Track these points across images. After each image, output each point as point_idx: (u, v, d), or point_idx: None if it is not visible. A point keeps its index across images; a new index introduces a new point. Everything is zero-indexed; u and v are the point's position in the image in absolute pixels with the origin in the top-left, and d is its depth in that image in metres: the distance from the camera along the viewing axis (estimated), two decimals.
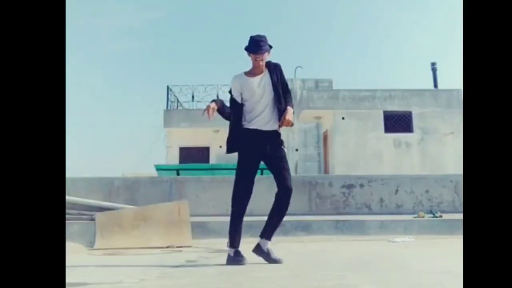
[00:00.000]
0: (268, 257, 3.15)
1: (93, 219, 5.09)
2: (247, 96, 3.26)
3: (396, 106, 14.50)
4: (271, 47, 3.27)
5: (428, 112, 14.50)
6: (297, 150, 17.21)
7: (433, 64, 17.47)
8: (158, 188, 5.90)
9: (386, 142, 14.28)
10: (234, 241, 3.22)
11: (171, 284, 2.39)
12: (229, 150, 3.44)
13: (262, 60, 3.21)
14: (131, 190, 5.86)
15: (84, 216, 5.27)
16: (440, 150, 14.24)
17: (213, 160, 16.53)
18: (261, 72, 3.27)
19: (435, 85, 17.14)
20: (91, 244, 4.77)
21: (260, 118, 3.24)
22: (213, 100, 3.33)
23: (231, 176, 6.33)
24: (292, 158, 17.22)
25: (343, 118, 14.15)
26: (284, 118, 3.19)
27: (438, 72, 17.44)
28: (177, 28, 43.81)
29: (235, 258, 3.14)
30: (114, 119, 37.22)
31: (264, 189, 6.06)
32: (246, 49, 3.23)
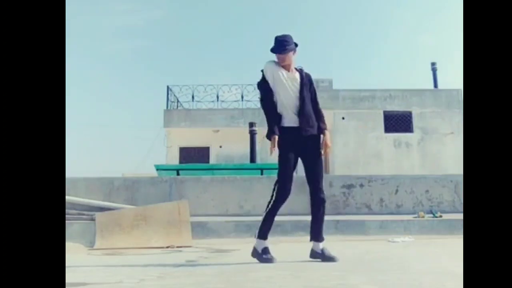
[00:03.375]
0: (323, 257, 3.17)
1: (93, 219, 5.09)
2: (278, 85, 3.22)
3: (396, 106, 14.52)
4: (296, 45, 3.27)
5: (428, 112, 14.51)
6: None
7: (433, 64, 17.48)
8: (158, 188, 5.90)
9: (386, 142, 14.30)
10: (265, 233, 3.27)
11: (171, 284, 2.38)
12: (272, 134, 3.23)
13: (284, 60, 3.22)
14: (131, 190, 5.86)
15: (84, 216, 5.28)
16: (440, 150, 14.26)
17: (213, 160, 16.53)
18: (288, 70, 3.27)
19: (435, 85, 17.15)
20: (91, 244, 4.77)
21: (292, 115, 3.20)
22: (272, 132, 3.18)
23: (231, 176, 6.37)
24: None
25: (343, 118, 14.16)
26: (326, 144, 3.22)
27: (438, 72, 17.46)
28: (177, 28, 43.82)
29: (265, 257, 3.19)
30: (114, 119, 37.22)
31: (264, 189, 6.08)
32: (271, 49, 3.23)
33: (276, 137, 3.14)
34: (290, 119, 3.22)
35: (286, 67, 3.27)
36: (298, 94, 3.22)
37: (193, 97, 16.26)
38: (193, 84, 16.63)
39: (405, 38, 46.72)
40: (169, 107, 16.46)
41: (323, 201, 3.23)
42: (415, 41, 45.24)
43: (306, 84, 3.28)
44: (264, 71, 3.28)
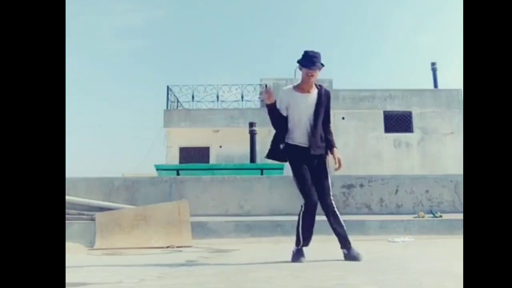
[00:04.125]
0: (349, 256, 3.28)
1: (93, 219, 5.09)
2: (292, 110, 3.31)
3: (396, 106, 14.52)
4: (323, 65, 3.30)
5: (428, 112, 14.51)
6: None
7: (433, 64, 17.48)
8: (158, 188, 5.90)
9: (386, 142, 14.30)
10: (300, 240, 3.36)
11: (171, 284, 2.38)
12: (270, 156, 3.49)
13: (313, 76, 3.25)
14: (131, 190, 5.86)
15: (84, 216, 5.28)
16: (440, 150, 14.26)
17: (213, 160, 16.53)
18: (309, 89, 3.32)
19: (435, 85, 17.15)
20: (91, 244, 4.77)
21: (301, 135, 3.30)
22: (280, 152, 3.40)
23: (231, 176, 6.37)
24: None
25: (343, 118, 14.16)
26: (339, 163, 3.32)
27: (438, 72, 17.46)
28: (177, 28, 43.83)
29: (295, 256, 3.28)
30: (114, 119, 37.22)
31: (264, 189, 6.08)
32: (300, 62, 3.26)
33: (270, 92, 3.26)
34: (300, 138, 3.32)
35: (308, 86, 3.30)
36: (312, 116, 3.29)
37: (193, 97, 16.26)
38: (193, 84, 16.63)
39: (405, 38, 46.75)
40: (169, 107, 16.46)
41: (333, 212, 3.35)
42: (415, 41, 45.28)
43: (323, 103, 3.32)
44: (277, 100, 3.35)
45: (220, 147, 16.38)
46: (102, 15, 42.47)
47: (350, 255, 3.26)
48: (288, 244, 4.50)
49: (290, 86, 3.40)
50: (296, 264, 3.12)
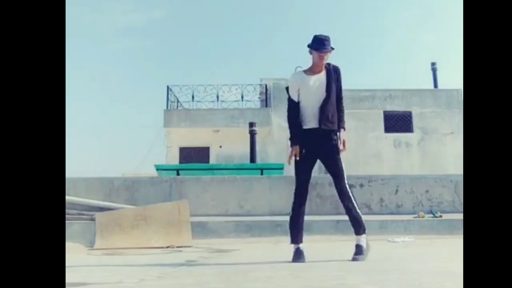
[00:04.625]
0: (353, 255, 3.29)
1: (93, 219, 5.09)
2: (303, 94, 3.33)
3: (396, 106, 14.53)
4: (333, 48, 3.32)
5: (428, 112, 14.51)
6: None
7: (433, 64, 17.48)
8: (158, 188, 5.90)
9: (386, 142, 14.30)
10: (294, 237, 3.33)
11: (171, 284, 2.38)
12: (296, 141, 3.41)
13: (324, 59, 3.28)
14: (131, 190, 5.86)
15: (84, 216, 5.28)
16: (440, 150, 14.26)
17: (213, 160, 16.53)
18: (320, 71, 3.34)
19: (435, 85, 17.15)
20: (91, 244, 4.77)
21: (314, 117, 3.30)
22: (293, 141, 3.36)
23: (231, 176, 6.37)
24: (292, 158, 17.19)
25: None
26: (344, 145, 3.33)
27: (438, 72, 17.45)
28: (177, 27, 43.82)
29: (294, 256, 3.26)
30: (114, 119, 37.21)
31: (264, 189, 6.08)
32: (311, 46, 3.28)
33: (297, 147, 3.29)
34: (310, 121, 3.32)
35: (318, 67, 3.32)
36: (323, 95, 3.29)
37: (193, 97, 16.26)
38: (193, 84, 16.61)
39: (405, 38, 46.74)
40: (169, 107, 16.46)
41: (348, 197, 3.31)
42: (415, 41, 45.27)
43: (333, 79, 3.33)
44: (289, 85, 3.38)
45: (220, 147, 16.38)
46: (102, 14, 42.47)
47: (353, 256, 3.26)
48: (288, 244, 4.50)
49: (300, 70, 3.41)
50: (296, 264, 3.12)
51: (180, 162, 16.14)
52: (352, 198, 3.33)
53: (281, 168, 8.70)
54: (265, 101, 16.12)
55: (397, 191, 6.01)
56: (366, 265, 3.06)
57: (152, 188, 5.91)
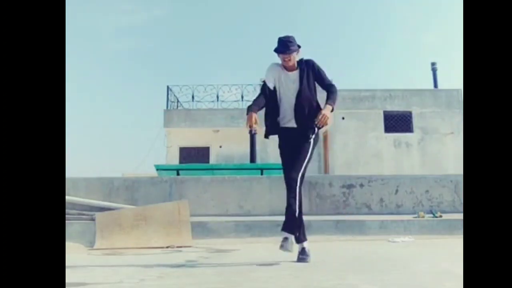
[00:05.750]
0: (298, 256, 3.26)
1: (93, 219, 5.09)
2: (279, 88, 3.33)
3: (396, 106, 14.52)
4: (299, 46, 3.31)
5: (428, 112, 14.51)
6: None
7: (433, 64, 17.50)
8: (158, 188, 5.90)
9: (386, 142, 14.30)
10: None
11: (171, 284, 2.38)
12: (268, 134, 3.44)
13: (290, 60, 3.26)
14: (131, 190, 5.86)
15: (84, 216, 5.28)
16: (440, 150, 14.26)
17: (213, 160, 16.53)
18: (293, 70, 3.33)
19: (435, 85, 17.16)
20: (91, 244, 4.77)
21: (290, 115, 3.30)
22: (249, 109, 3.26)
23: (231, 176, 6.36)
24: None
25: (343, 118, 14.16)
26: (321, 116, 3.15)
27: (438, 72, 17.47)
28: (178, 27, 43.83)
29: (298, 256, 3.26)
30: (114, 119, 37.21)
31: (264, 189, 6.08)
32: (275, 50, 3.27)
33: (252, 114, 3.19)
34: (289, 119, 3.32)
35: (289, 68, 3.32)
36: (297, 93, 3.28)
37: (193, 97, 16.27)
38: (193, 84, 16.64)
39: (405, 38, 46.75)
40: (169, 107, 16.46)
41: (293, 187, 3.15)
42: (415, 41, 45.27)
43: (305, 76, 3.29)
44: (266, 73, 3.36)
45: (220, 147, 16.38)
46: (102, 14, 42.47)
47: (299, 257, 3.22)
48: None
49: (275, 62, 3.39)
50: (296, 264, 3.11)
51: (180, 162, 16.15)
52: (297, 196, 3.16)
53: (281, 168, 8.70)
54: None
55: (397, 191, 6.01)
56: (366, 265, 3.06)
57: (152, 188, 5.90)
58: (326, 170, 15.85)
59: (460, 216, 5.07)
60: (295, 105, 3.27)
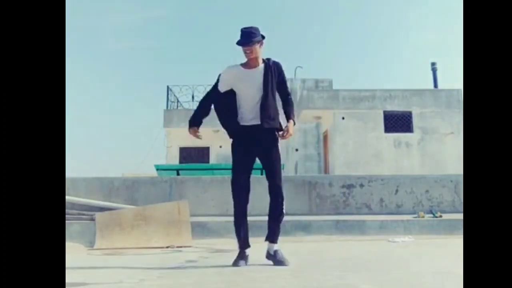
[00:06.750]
0: (274, 259, 3.10)
1: (93, 219, 5.09)
2: (239, 89, 3.16)
3: (396, 106, 14.51)
4: (263, 37, 3.14)
5: (428, 112, 14.51)
6: (297, 150, 17.21)
7: (433, 64, 17.50)
8: (158, 188, 5.90)
9: (386, 142, 14.29)
10: (238, 241, 3.27)
11: (171, 284, 2.38)
12: (232, 134, 3.30)
13: (251, 52, 3.09)
14: (131, 190, 5.86)
15: (84, 216, 5.27)
16: (440, 150, 14.25)
17: (213, 160, 16.53)
18: (255, 65, 3.16)
19: (435, 85, 17.17)
20: (91, 244, 4.77)
21: (249, 113, 3.15)
22: (190, 124, 3.28)
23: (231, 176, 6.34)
24: (292, 158, 17.22)
25: (343, 118, 14.16)
26: (288, 132, 3.10)
27: (438, 72, 17.46)
28: (177, 27, 43.82)
29: (234, 260, 3.15)
30: (114, 119, 37.21)
31: (264, 189, 6.07)
32: (237, 42, 3.10)
33: (191, 132, 3.26)
34: (249, 117, 3.16)
35: (252, 61, 3.15)
36: (261, 92, 3.12)
37: (193, 97, 16.28)
38: (193, 84, 16.65)
39: (405, 38, 46.74)
40: (169, 107, 16.46)
41: (280, 199, 3.15)
42: (415, 40, 45.26)
43: (272, 74, 3.16)
44: (220, 76, 3.23)
45: (220, 147, 16.37)
46: (102, 14, 42.46)
47: (277, 259, 3.07)
48: (288, 244, 4.49)
49: (238, 64, 3.23)
50: (296, 264, 3.11)
51: (180, 162, 16.16)
52: (282, 201, 3.15)
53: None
54: None
55: (397, 191, 6.01)
56: (366, 265, 3.06)
57: (152, 188, 5.91)
58: (326, 170, 15.85)
59: (460, 216, 5.07)
60: (261, 104, 3.11)
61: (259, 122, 3.12)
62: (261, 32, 3.15)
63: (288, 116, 3.20)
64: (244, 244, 3.23)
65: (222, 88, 3.20)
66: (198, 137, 3.28)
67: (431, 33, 47.61)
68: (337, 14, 45.58)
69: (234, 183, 3.26)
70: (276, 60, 3.26)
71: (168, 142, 16.89)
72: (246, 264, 3.10)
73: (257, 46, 3.10)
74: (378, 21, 44.27)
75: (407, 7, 45.86)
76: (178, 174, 8.03)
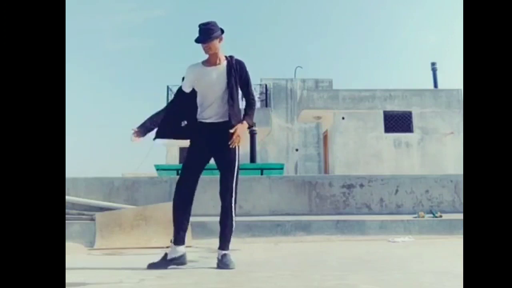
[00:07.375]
0: (220, 263, 3.01)
1: (93, 219, 5.09)
2: (201, 86, 3.09)
3: (396, 106, 14.52)
4: (223, 31, 3.05)
5: (428, 112, 14.52)
6: (297, 150, 17.22)
7: (433, 64, 17.50)
8: (158, 188, 5.90)
9: (386, 142, 14.30)
10: (176, 237, 3.09)
11: (171, 284, 2.39)
12: (161, 135, 3.19)
13: (210, 48, 3.01)
14: (131, 190, 5.86)
15: (84, 216, 5.27)
16: (440, 150, 14.26)
17: (213, 160, 16.51)
18: (216, 62, 3.09)
19: (435, 85, 17.17)
20: (91, 244, 4.77)
21: (210, 110, 3.07)
22: (140, 125, 3.16)
23: None
24: (292, 158, 17.23)
25: (343, 118, 14.16)
26: (233, 134, 2.96)
27: (438, 72, 17.47)
28: (177, 27, 43.83)
29: (221, 262, 3.01)
30: (115, 119, 37.21)
31: (264, 189, 6.08)
32: (195, 40, 3.01)
33: (134, 139, 3.10)
34: (213, 113, 3.08)
35: (213, 58, 3.07)
36: (222, 89, 3.05)
37: None
38: None
39: (405, 38, 46.75)
40: None
41: (230, 192, 3.08)
42: (415, 41, 45.27)
43: (235, 72, 3.07)
44: (184, 76, 3.16)
45: None
46: (102, 14, 42.48)
47: (223, 262, 2.98)
48: (288, 244, 4.50)
49: (199, 61, 3.16)
50: (296, 264, 3.11)
51: (180, 162, 16.14)
52: (231, 214, 3.10)
53: (281, 168, 8.71)
54: (265, 101, 16.12)
55: (397, 191, 6.01)
56: (366, 265, 3.06)
57: (152, 188, 5.91)
58: (326, 170, 15.85)
59: (460, 216, 5.07)
60: (229, 98, 3.03)
61: (218, 120, 3.05)
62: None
63: (244, 116, 3.10)
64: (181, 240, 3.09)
65: (186, 88, 3.14)
66: (134, 140, 3.10)
67: (431, 33, 47.63)
68: (337, 14, 45.60)
69: (182, 184, 3.08)
70: (239, 58, 3.17)
71: (168, 142, 16.88)
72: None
73: (216, 42, 3.02)
74: (378, 21, 44.28)
75: (407, 7, 45.88)
76: (178, 174, 8.02)
